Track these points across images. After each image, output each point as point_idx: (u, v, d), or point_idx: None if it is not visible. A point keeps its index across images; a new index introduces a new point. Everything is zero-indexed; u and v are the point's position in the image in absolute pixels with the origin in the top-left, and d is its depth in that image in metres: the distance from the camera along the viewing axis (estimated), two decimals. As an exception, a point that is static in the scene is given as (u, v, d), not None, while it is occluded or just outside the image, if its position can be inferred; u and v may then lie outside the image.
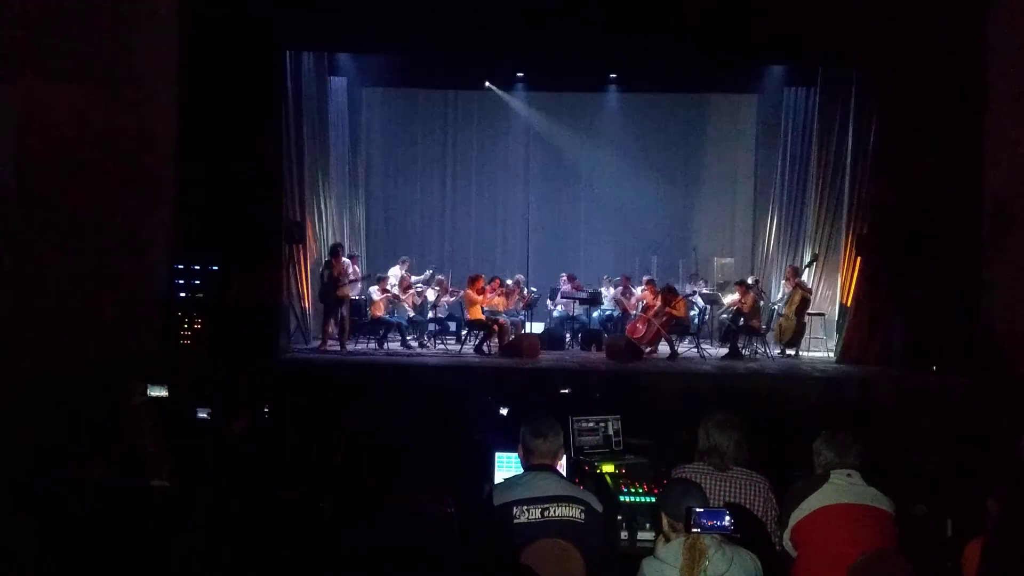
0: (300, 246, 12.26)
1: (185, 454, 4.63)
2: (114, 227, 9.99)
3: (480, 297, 12.02)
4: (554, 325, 13.53)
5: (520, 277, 13.67)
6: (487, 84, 14.79)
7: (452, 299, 13.15)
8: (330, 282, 11.89)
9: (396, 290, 12.50)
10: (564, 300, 13.38)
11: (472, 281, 12.18)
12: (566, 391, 8.52)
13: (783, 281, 12.77)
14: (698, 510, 3.17)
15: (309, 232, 12.91)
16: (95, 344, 9.16)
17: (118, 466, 4.23)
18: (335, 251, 12.31)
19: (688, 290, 13.09)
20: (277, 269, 11.59)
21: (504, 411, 6.96)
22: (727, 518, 3.16)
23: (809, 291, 12.46)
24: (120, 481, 4.11)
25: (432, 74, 14.43)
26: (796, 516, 3.81)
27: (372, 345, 12.19)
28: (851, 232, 12.18)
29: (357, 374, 9.91)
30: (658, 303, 12.20)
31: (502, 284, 12.83)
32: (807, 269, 12.83)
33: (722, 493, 3.95)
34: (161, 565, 3.55)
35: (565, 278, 13.71)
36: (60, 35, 9.04)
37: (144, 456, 4.13)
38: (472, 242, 15.74)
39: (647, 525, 4.06)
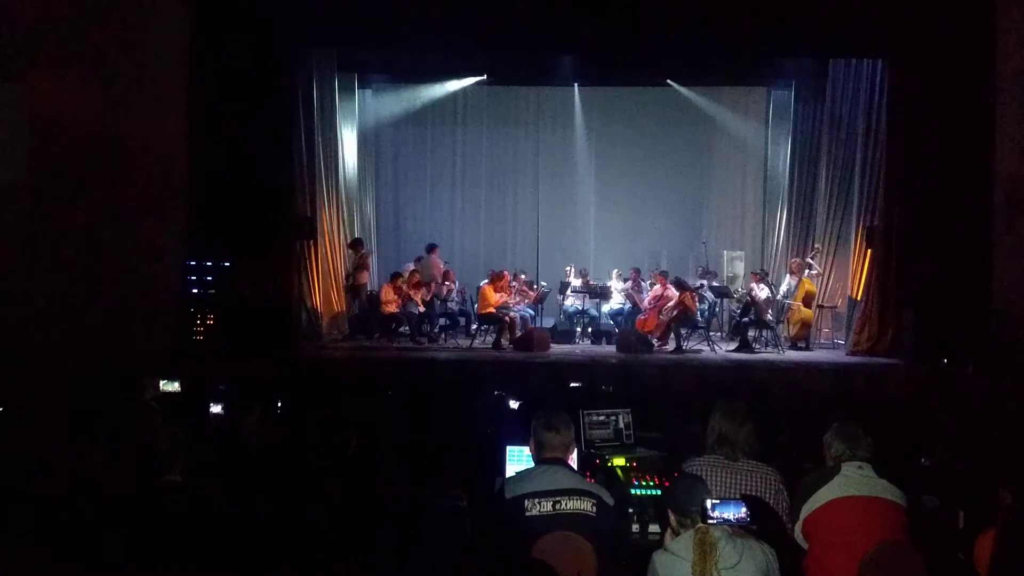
0: (311, 243, 12.31)
1: (199, 450, 4.66)
2: (126, 225, 10.05)
3: (498, 296, 12.04)
4: (564, 319, 13.54)
5: (524, 273, 13.72)
6: (491, 80, 14.78)
7: (460, 296, 13.19)
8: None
9: (406, 287, 12.54)
10: (575, 294, 13.38)
11: (495, 278, 12.23)
12: (576, 384, 8.52)
13: (788, 275, 12.74)
14: (713, 501, 3.17)
15: (322, 228, 12.98)
16: (108, 340, 9.22)
17: (131, 461, 4.25)
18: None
19: (697, 283, 13.08)
20: (288, 266, 11.64)
21: (515, 405, 6.98)
22: (743, 509, 3.17)
23: (812, 282, 12.43)
24: (133, 476, 4.14)
25: (441, 71, 14.43)
26: (807, 508, 3.81)
27: (382, 341, 12.22)
28: (861, 224, 12.15)
29: (368, 369, 9.94)
30: (667, 293, 12.21)
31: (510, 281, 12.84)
32: (811, 261, 12.78)
33: (733, 485, 3.95)
34: (173, 560, 3.57)
35: (571, 271, 13.72)
36: (71, 35, 9.08)
37: (158, 452, 4.15)
38: (482, 237, 15.75)
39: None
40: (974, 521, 3.97)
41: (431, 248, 13.75)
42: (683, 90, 14.96)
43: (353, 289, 12.89)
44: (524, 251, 15.25)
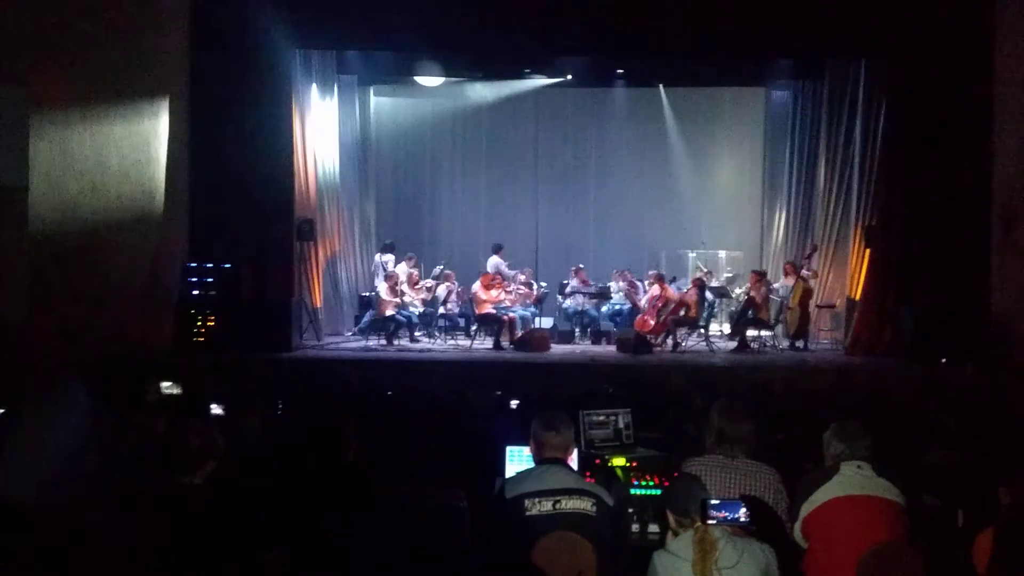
0: (311, 244, 12.31)
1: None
2: (127, 226, 10.05)
3: (488, 294, 12.06)
4: (564, 320, 13.54)
5: (528, 271, 13.72)
6: (492, 80, 14.78)
7: (459, 297, 13.18)
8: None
9: (405, 287, 12.54)
10: (574, 294, 13.39)
11: (482, 276, 12.28)
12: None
13: (783, 276, 12.75)
14: (713, 501, 3.18)
15: (323, 229, 12.99)
16: (109, 342, 9.22)
17: (133, 463, 4.25)
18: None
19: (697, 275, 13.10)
20: (289, 267, 11.65)
21: (514, 404, 6.98)
22: (742, 509, 3.18)
23: (808, 282, 12.43)
24: (134, 479, 4.13)
25: (440, 71, 14.42)
26: (806, 508, 3.82)
27: (382, 342, 12.22)
28: (860, 224, 12.16)
29: (368, 371, 9.95)
30: (665, 294, 12.23)
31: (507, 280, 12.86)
32: (806, 261, 12.79)
33: (733, 485, 3.95)
34: (172, 560, 3.57)
35: (573, 272, 13.73)
36: (72, 35, 9.09)
37: (177, 453, 4.09)
38: (481, 237, 15.74)
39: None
40: (973, 521, 3.98)
41: (497, 249, 13.69)
42: (682, 90, 14.98)
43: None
44: (523, 251, 15.24)
